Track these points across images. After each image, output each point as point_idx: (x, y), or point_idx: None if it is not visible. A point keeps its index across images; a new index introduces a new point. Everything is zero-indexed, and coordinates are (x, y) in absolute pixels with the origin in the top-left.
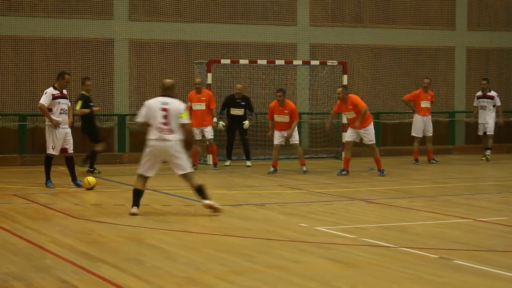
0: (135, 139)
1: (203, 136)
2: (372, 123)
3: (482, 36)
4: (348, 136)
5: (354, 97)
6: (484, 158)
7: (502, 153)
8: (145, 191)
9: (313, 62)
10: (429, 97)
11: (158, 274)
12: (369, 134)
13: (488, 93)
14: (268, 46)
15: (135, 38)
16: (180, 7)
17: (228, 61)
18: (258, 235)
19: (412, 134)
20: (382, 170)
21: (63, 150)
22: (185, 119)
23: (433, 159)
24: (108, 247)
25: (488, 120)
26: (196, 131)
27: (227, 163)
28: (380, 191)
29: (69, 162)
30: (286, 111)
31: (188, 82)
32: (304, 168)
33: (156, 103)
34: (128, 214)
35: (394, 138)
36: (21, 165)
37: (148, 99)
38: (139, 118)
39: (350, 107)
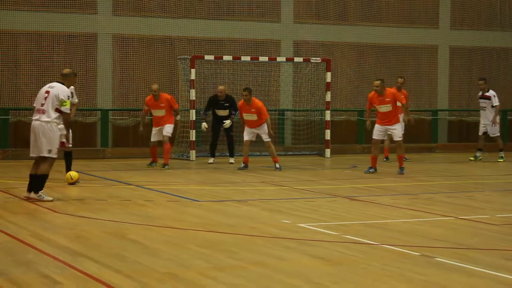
0: (118, 134)
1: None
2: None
3: (465, 35)
4: (376, 134)
5: (393, 90)
6: (472, 158)
7: (485, 152)
8: (129, 186)
9: (296, 59)
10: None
11: (140, 270)
12: (398, 130)
13: (486, 93)
14: (252, 43)
15: (119, 33)
16: (164, 3)
17: (211, 57)
18: (241, 232)
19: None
20: (403, 168)
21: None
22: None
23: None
24: (91, 242)
25: (488, 122)
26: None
27: (211, 160)
28: (363, 189)
29: (68, 156)
30: (253, 110)
31: (172, 77)
32: (277, 165)
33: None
34: None
35: None
36: (3, 159)
37: (131, 94)
38: None
39: (387, 99)
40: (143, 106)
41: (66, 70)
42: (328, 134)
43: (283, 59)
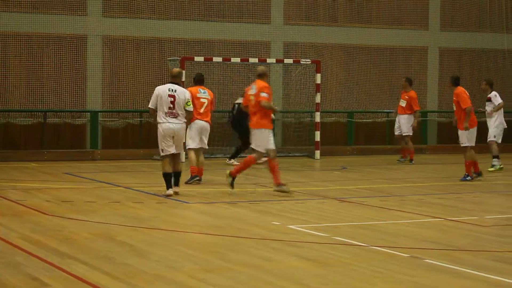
0: (108, 135)
1: None
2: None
3: (455, 36)
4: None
5: (461, 91)
6: (491, 169)
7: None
8: (118, 188)
9: (286, 61)
10: (406, 97)
11: (129, 272)
12: (461, 135)
13: (489, 95)
14: (242, 44)
15: (109, 35)
16: (154, 4)
17: (201, 59)
18: (230, 233)
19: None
20: (467, 175)
21: None
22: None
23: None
24: (79, 244)
25: (490, 125)
26: None
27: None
28: (352, 190)
29: None
30: None
31: (162, 79)
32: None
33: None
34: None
35: (366, 137)
36: None
37: (121, 96)
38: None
39: (454, 98)
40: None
41: (176, 70)
42: (317, 136)
43: (273, 60)
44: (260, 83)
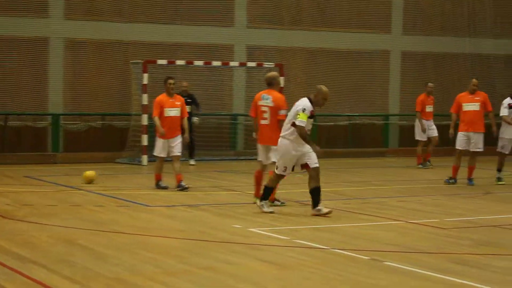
0: (70, 138)
1: None
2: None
3: (417, 40)
4: (462, 144)
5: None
6: (502, 183)
7: (440, 156)
8: (79, 191)
9: (249, 64)
10: (430, 101)
11: (89, 276)
12: (480, 140)
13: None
14: (205, 47)
15: (71, 37)
16: (117, 7)
17: (164, 62)
18: (192, 237)
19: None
20: (471, 179)
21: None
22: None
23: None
24: (40, 248)
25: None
26: None
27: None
28: None
29: None
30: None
31: (124, 82)
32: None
33: None
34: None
35: (328, 140)
36: None
37: (83, 99)
38: None
39: (477, 98)
40: None
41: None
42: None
43: (236, 64)
44: (276, 94)
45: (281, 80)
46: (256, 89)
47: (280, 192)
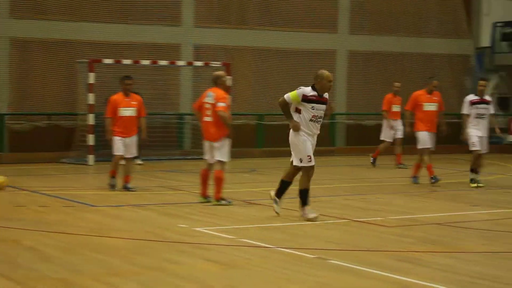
0: (15, 138)
1: None
2: None
3: (364, 39)
4: (428, 142)
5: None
6: (474, 185)
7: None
8: (24, 191)
9: (196, 63)
10: (397, 101)
11: (33, 276)
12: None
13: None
14: (152, 46)
15: (17, 36)
16: (63, 6)
17: (111, 61)
18: (137, 236)
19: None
20: (417, 177)
21: None
22: None
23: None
24: None
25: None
26: None
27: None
28: (260, 192)
29: None
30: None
31: (71, 81)
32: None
33: None
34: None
35: (275, 140)
36: None
37: (28, 98)
38: None
39: (435, 98)
40: None
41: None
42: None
43: (183, 63)
44: (219, 92)
45: (228, 79)
46: (203, 88)
47: (226, 191)
